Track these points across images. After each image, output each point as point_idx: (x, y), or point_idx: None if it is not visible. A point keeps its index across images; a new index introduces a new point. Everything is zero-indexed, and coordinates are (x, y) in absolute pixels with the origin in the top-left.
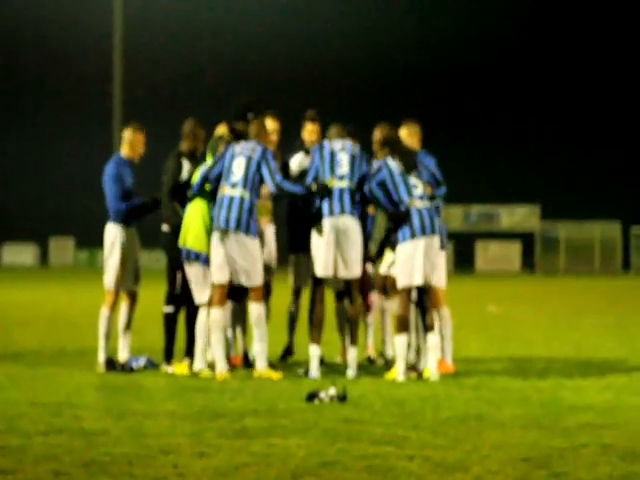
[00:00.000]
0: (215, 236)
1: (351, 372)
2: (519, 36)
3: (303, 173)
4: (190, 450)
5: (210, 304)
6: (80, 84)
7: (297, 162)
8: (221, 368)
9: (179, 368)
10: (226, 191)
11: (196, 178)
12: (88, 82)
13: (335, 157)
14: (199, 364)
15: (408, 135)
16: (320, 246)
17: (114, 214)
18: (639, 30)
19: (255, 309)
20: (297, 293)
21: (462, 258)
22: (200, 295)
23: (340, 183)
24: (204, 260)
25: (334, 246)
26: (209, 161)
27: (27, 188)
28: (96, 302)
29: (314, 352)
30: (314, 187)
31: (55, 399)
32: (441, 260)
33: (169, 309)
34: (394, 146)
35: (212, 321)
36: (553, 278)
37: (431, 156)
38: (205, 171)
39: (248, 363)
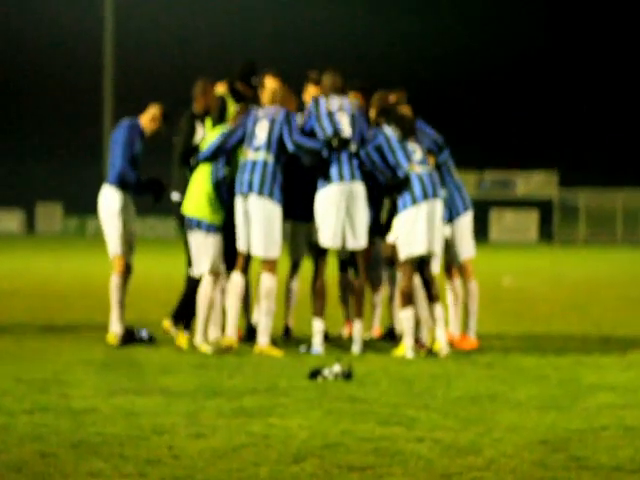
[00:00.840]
0: (238, 201)
1: (356, 348)
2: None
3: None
4: (185, 430)
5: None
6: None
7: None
8: (231, 333)
9: (178, 340)
10: (249, 155)
11: (206, 143)
12: (79, 85)
13: (334, 118)
14: (199, 339)
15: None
16: (329, 214)
17: (116, 177)
18: None
19: (267, 281)
20: (295, 265)
21: (475, 228)
22: (199, 265)
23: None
24: (206, 228)
25: (344, 214)
26: (221, 128)
27: (11, 150)
28: (86, 272)
29: (317, 326)
30: (335, 142)
31: (41, 375)
32: (467, 226)
33: (192, 272)
34: (390, 114)
35: (230, 285)
36: (572, 249)
37: (428, 126)
38: (220, 140)
39: (251, 336)
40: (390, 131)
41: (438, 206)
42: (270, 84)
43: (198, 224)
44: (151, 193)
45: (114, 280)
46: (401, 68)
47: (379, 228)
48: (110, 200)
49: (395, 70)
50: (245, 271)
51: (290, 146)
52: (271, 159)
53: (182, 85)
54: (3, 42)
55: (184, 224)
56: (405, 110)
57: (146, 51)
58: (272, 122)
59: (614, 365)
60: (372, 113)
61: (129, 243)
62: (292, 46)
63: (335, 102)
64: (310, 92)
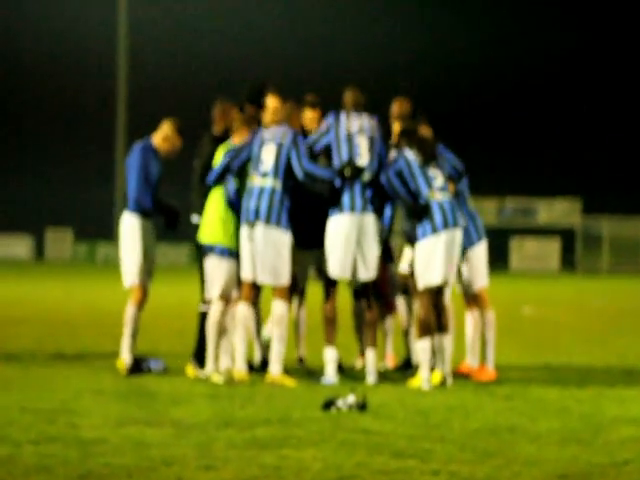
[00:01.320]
0: (243, 229)
1: (371, 378)
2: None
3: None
4: (196, 462)
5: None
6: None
7: None
8: (240, 367)
9: (188, 371)
10: (256, 181)
11: (215, 164)
12: (90, 101)
13: (353, 141)
14: (209, 367)
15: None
16: (338, 245)
17: (133, 203)
18: None
19: (279, 307)
20: (301, 294)
21: (496, 256)
22: (210, 289)
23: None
24: (219, 251)
25: (354, 246)
26: (225, 147)
27: (21, 174)
28: (96, 299)
29: (330, 355)
30: (348, 172)
31: (49, 405)
32: (481, 257)
33: (205, 308)
34: (411, 136)
35: (237, 317)
36: (595, 278)
37: (448, 151)
38: (226, 161)
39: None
40: (411, 155)
41: (458, 235)
42: (271, 103)
43: (212, 249)
44: (165, 219)
45: (130, 310)
46: (421, 92)
47: (390, 253)
48: (129, 227)
49: (415, 94)
50: (252, 300)
51: (300, 174)
52: (279, 186)
53: (197, 106)
54: (15, 66)
55: (201, 251)
56: (425, 132)
57: (160, 74)
58: (279, 146)
59: (638, 398)
60: (395, 125)
61: (147, 270)
62: (309, 64)
63: (355, 123)
64: (308, 117)
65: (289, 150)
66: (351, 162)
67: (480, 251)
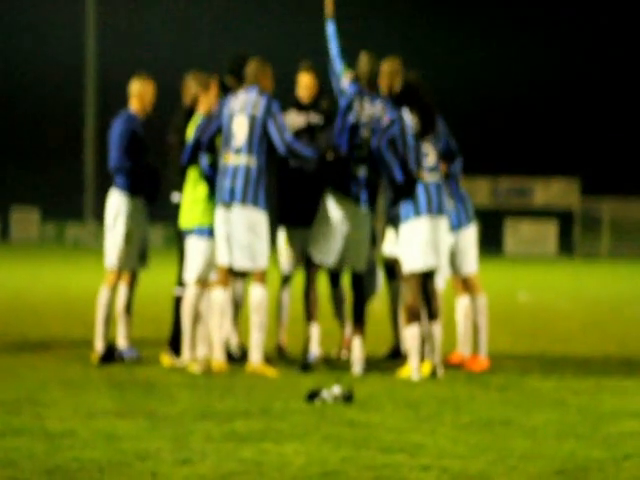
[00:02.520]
0: (218, 211)
1: (357, 368)
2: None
3: (297, 134)
4: (171, 456)
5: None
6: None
7: (292, 123)
8: (219, 356)
9: (163, 359)
10: (230, 159)
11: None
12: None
13: (359, 130)
14: (186, 356)
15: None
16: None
17: (119, 176)
18: None
19: (257, 293)
20: (287, 277)
21: (489, 239)
22: (187, 271)
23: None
24: (198, 232)
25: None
26: (195, 120)
27: None
28: (64, 284)
29: (314, 330)
30: (330, 156)
31: (14, 395)
32: (470, 241)
33: (180, 291)
34: (416, 98)
35: (213, 303)
36: (594, 263)
37: (446, 127)
38: (196, 137)
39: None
40: (409, 121)
41: (442, 223)
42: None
43: (191, 231)
44: (145, 191)
45: (103, 293)
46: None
47: (373, 236)
48: (113, 205)
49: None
50: (230, 285)
51: (282, 149)
52: (253, 163)
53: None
54: None
55: (181, 235)
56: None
57: (131, 56)
58: (252, 118)
59: (638, 389)
60: (383, 81)
61: (137, 253)
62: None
63: (373, 106)
64: (303, 84)
65: (264, 121)
66: (335, 148)
67: (469, 235)
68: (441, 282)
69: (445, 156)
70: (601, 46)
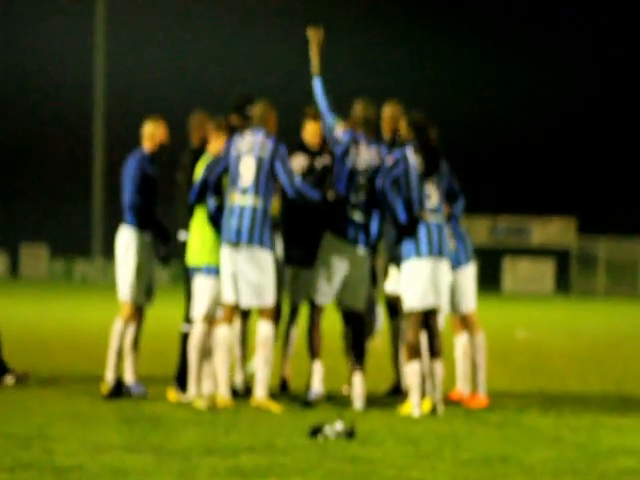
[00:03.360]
0: (224, 250)
1: (358, 404)
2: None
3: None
4: None
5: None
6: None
7: (298, 166)
8: (223, 392)
9: (169, 395)
10: (236, 199)
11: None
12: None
13: (356, 178)
14: (191, 392)
15: None
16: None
17: (130, 213)
18: None
19: (264, 329)
20: (294, 312)
21: (488, 277)
22: (195, 308)
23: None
24: (206, 271)
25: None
26: (205, 160)
27: None
28: (72, 319)
29: (317, 367)
30: (331, 196)
31: (24, 430)
32: (469, 279)
33: (187, 328)
34: (422, 139)
35: (218, 339)
36: (591, 301)
37: (449, 170)
38: (204, 177)
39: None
40: (414, 160)
41: (444, 265)
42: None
43: (199, 270)
44: (157, 234)
45: (117, 326)
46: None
47: (373, 275)
48: (123, 240)
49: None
50: (234, 322)
51: (291, 193)
52: (260, 204)
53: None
54: None
55: (188, 273)
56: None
57: (138, 96)
58: (259, 160)
59: (635, 427)
60: (386, 126)
61: (144, 288)
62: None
63: (369, 151)
64: (309, 130)
65: (272, 163)
66: (335, 190)
67: (469, 273)
68: (441, 321)
69: (448, 197)
70: (598, 90)
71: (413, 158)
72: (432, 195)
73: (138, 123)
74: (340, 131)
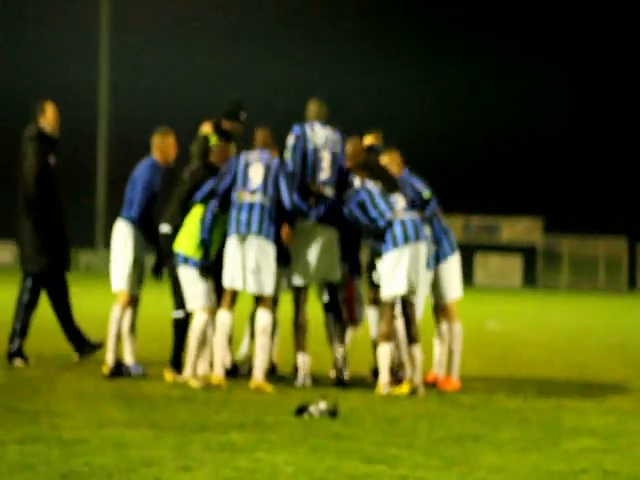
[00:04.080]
0: (232, 240)
1: (346, 374)
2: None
3: None
4: (173, 463)
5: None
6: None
7: None
8: (219, 372)
9: (166, 376)
10: (245, 197)
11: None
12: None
13: (317, 155)
14: (187, 372)
15: (390, 162)
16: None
17: (133, 216)
18: None
19: (263, 317)
20: (274, 303)
21: (462, 271)
22: (191, 301)
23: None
24: (193, 264)
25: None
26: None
27: (2, 182)
28: (77, 305)
29: (303, 358)
30: (314, 188)
31: (32, 406)
32: (454, 269)
33: (179, 314)
34: (374, 171)
35: (218, 324)
36: (555, 295)
37: (415, 176)
38: (213, 184)
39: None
40: (372, 185)
41: (422, 248)
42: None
43: (185, 260)
44: (157, 250)
45: (115, 312)
46: (387, 115)
47: (358, 268)
48: (121, 233)
49: (377, 115)
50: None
51: (289, 206)
52: (267, 202)
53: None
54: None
55: (171, 259)
56: (394, 156)
57: (140, 100)
58: (267, 167)
59: (595, 410)
60: (348, 162)
61: (137, 278)
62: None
63: (321, 135)
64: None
65: (277, 174)
66: (315, 181)
67: (453, 263)
68: (419, 311)
69: (414, 203)
70: (563, 102)
71: (370, 183)
72: (399, 201)
73: (139, 126)
74: (290, 139)
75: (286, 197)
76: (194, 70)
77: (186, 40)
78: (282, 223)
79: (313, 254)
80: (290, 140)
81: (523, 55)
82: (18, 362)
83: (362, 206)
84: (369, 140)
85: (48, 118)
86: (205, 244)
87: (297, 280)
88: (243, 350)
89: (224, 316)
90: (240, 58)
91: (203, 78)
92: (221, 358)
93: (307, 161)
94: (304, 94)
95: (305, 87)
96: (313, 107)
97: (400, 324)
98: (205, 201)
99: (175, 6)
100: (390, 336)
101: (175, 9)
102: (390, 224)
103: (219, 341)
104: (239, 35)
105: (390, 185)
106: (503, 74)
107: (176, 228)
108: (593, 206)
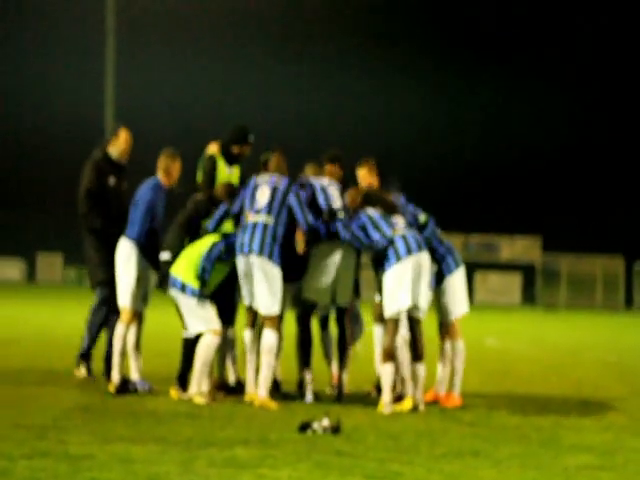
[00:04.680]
0: (239, 261)
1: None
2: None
3: None
4: (179, 478)
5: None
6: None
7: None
8: (250, 389)
9: (171, 393)
10: (250, 218)
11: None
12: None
13: (327, 192)
14: (193, 390)
15: (368, 173)
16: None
17: (136, 234)
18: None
19: (268, 337)
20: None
21: (466, 286)
22: (193, 326)
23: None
24: (191, 292)
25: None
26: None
27: (13, 201)
28: (83, 321)
29: (309, 377)
30: (326, 216)
31: (40, 421)
32: (459, 283)
33: (189, 334)
34: (372, 201)
35: (245, 343)
36: (554, 312)
37: (410, 203)
38: (223, 210)
39: (227, 389)
40: (372, 211)
41: (424, 258)
42: (361, 174)
43: (183, 288)
44: (157, 272)
45: (119, 329)
46: (388, 139)
47: (357, 286)
48: (124, 252)
49: (378, 139)
50: (253, 326)
51: (304, 227)
52: (271, 222)
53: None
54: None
55: (166, 283)
56: (371, 166)
57: (146, 122)
58: (274, 189)
59: (593, 427)
60: (349, 203)
61: (142, 295)
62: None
63: (323, 180)
64: (328, 171)
65: (286, 194)
66: (330, 208)
67: (458, 278)
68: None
69: (415, 226)
70: (559, 122)
71: (371, 209)
72: (399, 221)
73: (145, 147)
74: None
75: (301, 218)
76: (199, 87)
77: (192, 57)
78: (292, 236)
79: (330, 274)
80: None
81: (521, 72)
82: (82, 369)
83: (363, 229)
84: (362, 173)
85: (119, 143)
86: (204, 272)
87: (309, 296)
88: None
89: (247, 335)
90: (245, 77)
91: (208, 95)
92: (252, 376)
93: (319, 200)
94: (316, 122)
95: (319, 116)
96: (311, 170)
97: (401, 341)
98: (217, 229)
99: (181, 24)
100: (392, 355)
101: (181, 25)
102: (391, 242)
103: (249, 360)
104: (244, 54)
105: (390, 208)
106: (497, 91)
107: (175, 256)
108: (591, 225)
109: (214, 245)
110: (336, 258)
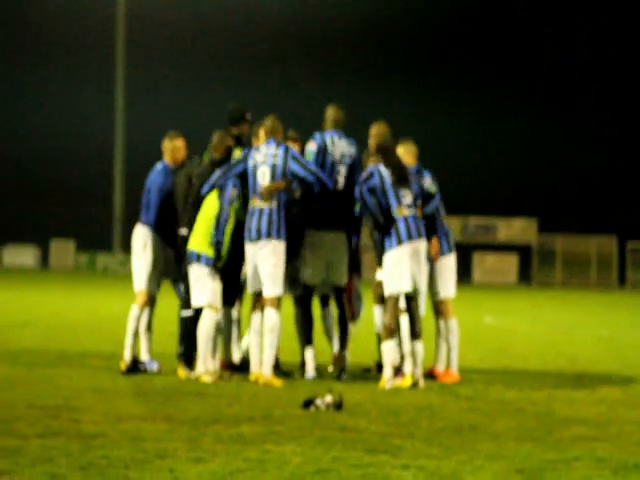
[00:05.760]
0: (247, 247)
1: (344, 376)
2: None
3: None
4: (186, 455)
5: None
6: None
7: None
8: (255, 368)
9: (179, 372)
10: (256, 204)
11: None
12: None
13: (334, 169)
14: (199, 369)
15: (405, 153)
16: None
17: (150, 220)
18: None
19: (271, 316)
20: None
21: (459, 269)
22: (197, 297)
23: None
24: (205, 261)
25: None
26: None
27: (28, 190)
28: (95, 306)
29: (310, 354)
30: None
31: (53, 402)
32: (450, 267)
33: (187, 313)
34: (387, 155)
35: (251, 326)
36: (549, 291)
37: (427, 170)
38: (221, 173)
39: (233, 367)
40: (386, 173)
41: (422, 245)
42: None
43: (198, 257)
44: (175, 251)
45: (133, 311)
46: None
47: (358, 265)
48: (141, 237)
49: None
50: (260, 306)
51: (312, 179)
52: (275, 204)
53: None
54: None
55: (185, 259)
56: (409, 148)
57: (153, 116)
58: (273, 167)
59: (587, 400)
60: (371, 141)
61: (156, 279)
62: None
63: (339, 148)
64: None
65: (285, 167)
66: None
67: (449, 262)
68: (422, 306)
69: (421, 198)
70: (559, 100)
71: (385, 171)
72: (407, 195)
73: (151, 138)
74: (311, 145)
75: (305, 174)
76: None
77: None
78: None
79: (325, 259)
80: (312, 146)
81: (522, 76)
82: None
83: (373, 191)
84: (401, 152)
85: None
86: (219, 244)
87: (308, 280)
88: (243, 345)
89: (255, 319)
90: (251, 100)
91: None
92: (256, 356)
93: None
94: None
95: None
96: (332, 114)
97: (403, 319)
98: (209, 192)
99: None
100: (393, 331)
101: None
102: (394, 221)
103: (253, 342)
104: (254, 77)
105: (401, 177)
106: (492, 90)
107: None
108: (585, 207)
109: (219, 214)
110: (326, 244)
